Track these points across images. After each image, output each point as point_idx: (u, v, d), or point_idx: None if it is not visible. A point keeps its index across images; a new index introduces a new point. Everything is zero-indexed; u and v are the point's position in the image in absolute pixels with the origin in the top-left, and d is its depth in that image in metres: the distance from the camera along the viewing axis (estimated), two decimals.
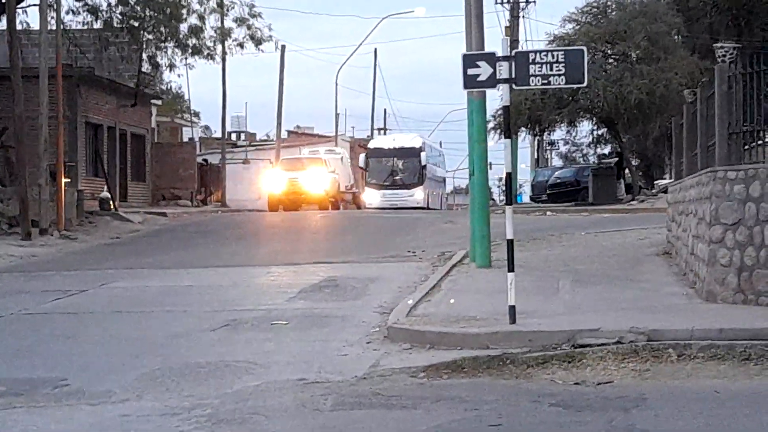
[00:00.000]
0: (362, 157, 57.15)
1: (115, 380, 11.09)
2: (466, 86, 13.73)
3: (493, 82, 13.35)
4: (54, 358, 12.54)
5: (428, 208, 54.24)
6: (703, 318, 12.64)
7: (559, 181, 54.65)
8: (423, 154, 55.84)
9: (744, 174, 13.93)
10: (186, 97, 64.34)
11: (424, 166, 55.62)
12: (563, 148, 78.47)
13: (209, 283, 19.56)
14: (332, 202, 47.39)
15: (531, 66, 13.18)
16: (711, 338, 11.63)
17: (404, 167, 55.61)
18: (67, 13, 37.93)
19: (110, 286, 19.19)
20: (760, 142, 15.04)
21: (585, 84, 14.21)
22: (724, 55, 22.65)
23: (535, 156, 69.42)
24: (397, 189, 54.59)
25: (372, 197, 54.48)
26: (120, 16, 38.32)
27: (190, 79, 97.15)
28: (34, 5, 35.25)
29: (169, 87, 52.03)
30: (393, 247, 24.62)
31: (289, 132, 75.57)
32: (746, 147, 14.99)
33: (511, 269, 13.03)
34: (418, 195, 54.58)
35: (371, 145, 59.29)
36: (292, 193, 45.61)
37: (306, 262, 22.11)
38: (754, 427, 9.03)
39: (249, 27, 42.10)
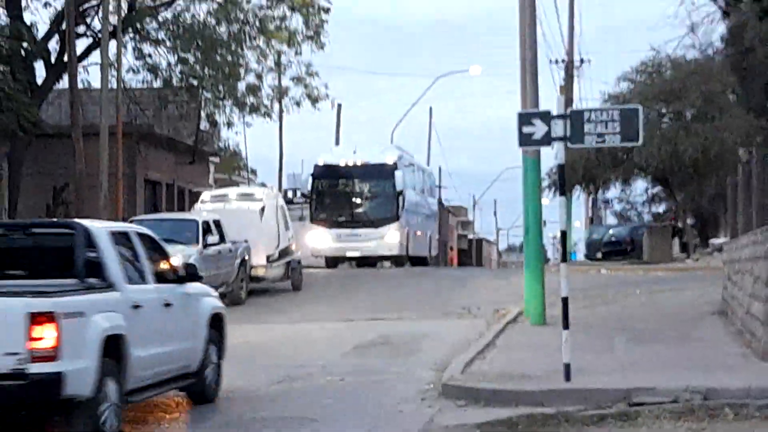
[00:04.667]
0: (306, 178, 40.48)
1: None
2: (521, 144, 13.84)
3: (547, 140, 13.42)
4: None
5: (409, 257, 40.02)
6: (760, 377, 12.54)
7: (613, 239, 54.33)
8: (398, 174, 38.73)
9: None
10: (243, 154, 64.80)
11: (401, 193, 38.69)
12: (618, 206, 78.17)
13: (265, 339, 19.69)
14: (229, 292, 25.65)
15: (586, 124, 13.24)
16: None
17: (370, 194, 39.53)
18: (128, 71, 38.45)
19: None
20: None
21: (640, 143, 14.25)
22: None
23: (590, 214, 69.18)
24: (359, 228, 38.36)
25: (320, 240, 38.28)
26: (179, 75, 38.83)
27: (247, 136, 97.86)
28: (96, 64, 35.89)
29: (226, 144, 52.43)
30: (446, 303, 24.63)
31: None
32: None
33: (566, 327, 13.03)
34: (391, 237, 38.15)
35: (321, 161, 40.15)
36: None
37: (359, 318, 22.19)
38: None
39: (306, 86, 42.43)
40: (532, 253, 20.16)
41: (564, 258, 13.76)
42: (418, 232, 42.16)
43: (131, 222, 23.97)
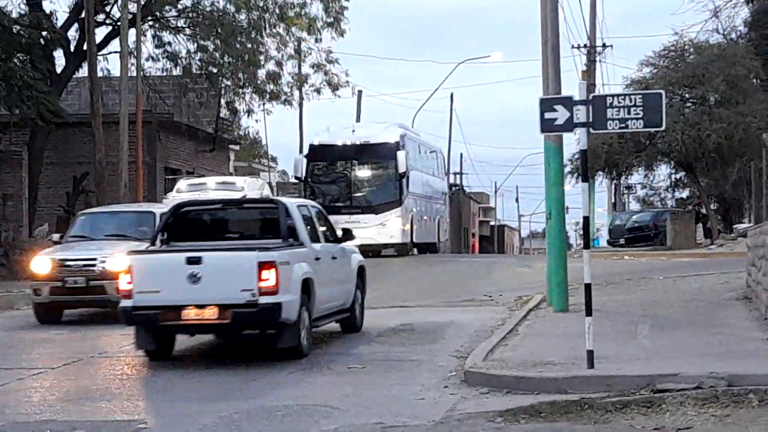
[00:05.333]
0: (300, 160, 36.10)
1: (192, 424, 11.14)
2: (543, 130, 13.74)
3: (570, 125, 13.32)
4: (132, 401, 12.65)
5: (415, 244, 37.29)
6: None
7: (636, 225, 54.19)
8: (401, 155, 35.17)
9: None
10: (263, 141, 64.86)
11: (404, 175, 35.34)
12: (641, 192, 77.96)
13: None
14: None
15: (608, 110, 13.13)
16: None
17: (370, 177, 36.11)
18: (147, 60, 38.56)
19: None
20: None
21: (663, 128, 14.10)
22: None
23: (612, 200, 68.98)
24: (358, 214, 34.79)
25: None
26: (199, 63, 38.91)
27: (268, 123, 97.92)
28: (115, 52, 35.98)
29: (246, 132, 52.61)
30: (469, 291, 24.56)
31: None
32: None
33: (589, 313, 12.94)
34: (393, 224, 35.12)
35: (315, 140, 36.66)
36: (66, 290, 20.22)
37: (382, 306, 22.11)
38: None
39: (326, 73, 42.53)
40: (555, 239, 20.04)
41: (587, 244, 13.66)
42: (425, 218, 39.04)
43: (80, 216, 23.34)
